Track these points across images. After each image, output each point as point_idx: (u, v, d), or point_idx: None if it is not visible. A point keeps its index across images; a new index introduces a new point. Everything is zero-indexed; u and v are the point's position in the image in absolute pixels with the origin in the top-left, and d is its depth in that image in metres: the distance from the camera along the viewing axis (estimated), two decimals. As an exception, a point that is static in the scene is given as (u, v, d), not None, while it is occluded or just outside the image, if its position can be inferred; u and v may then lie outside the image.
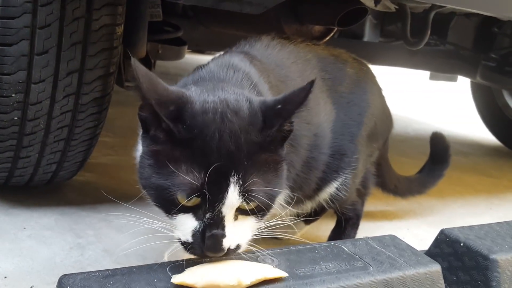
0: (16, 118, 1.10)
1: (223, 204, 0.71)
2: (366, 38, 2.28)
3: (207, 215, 0.71)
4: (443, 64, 2.49)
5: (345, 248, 0.95)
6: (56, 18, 1.04)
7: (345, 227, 1.27)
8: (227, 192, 0.70)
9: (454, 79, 2.81)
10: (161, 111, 0.70)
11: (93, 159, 1.36)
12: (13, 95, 1.07)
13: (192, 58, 3.83)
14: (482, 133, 3.15)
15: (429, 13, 1.67)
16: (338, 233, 1.27)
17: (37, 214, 1.27)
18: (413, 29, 1.72)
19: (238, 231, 0.75)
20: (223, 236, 0.72)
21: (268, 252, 0.85)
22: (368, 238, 1.01)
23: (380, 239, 1.02)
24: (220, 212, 0.71)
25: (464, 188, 2.05)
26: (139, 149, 0.81)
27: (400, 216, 1.62)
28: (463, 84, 3.15)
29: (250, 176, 0.72)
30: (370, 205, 1.50)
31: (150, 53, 1.53)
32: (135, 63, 0.69)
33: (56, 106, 1.12)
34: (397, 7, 1.49)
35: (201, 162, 0.70)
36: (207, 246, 0.72)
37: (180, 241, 0.75)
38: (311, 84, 0.76)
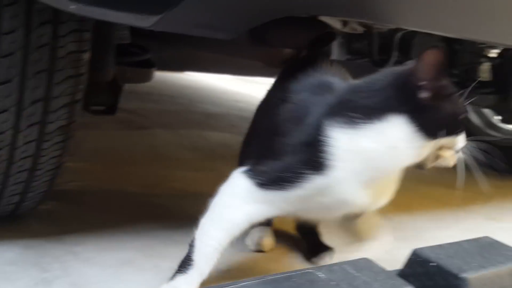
0: (-24, 149, 1.06)
1: None
2: (333, 57, 2.32)
3: None
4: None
5: (320, 275, 0.94)
6: (20, 46, 1.01)
7: None
8: None
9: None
10: None
11: (56, 186, 1.31)
12: (-27, 126, 1.03)
13: (172, 76, 3.78)
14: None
15: (394, 34, 1.71)
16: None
17: (0, 248, 1.21)
18: (379, 46, 1.76)
19: None
20: None
21: (243, 284, 0.84)
22: (343, 262, 1.01)
23: (355, 263, 1.02)
24: None
25: (431, 201, 2.10)
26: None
27: (371, 233, 1.64)
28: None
29: None
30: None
31: (118, 77, 1.50)
32: None
33: (19, 136, 1.08)
34: (364, 29, 1.53)
35: None
36: None
37: None
38: None
